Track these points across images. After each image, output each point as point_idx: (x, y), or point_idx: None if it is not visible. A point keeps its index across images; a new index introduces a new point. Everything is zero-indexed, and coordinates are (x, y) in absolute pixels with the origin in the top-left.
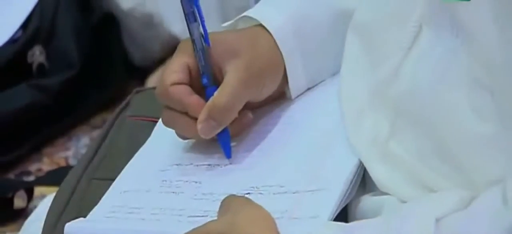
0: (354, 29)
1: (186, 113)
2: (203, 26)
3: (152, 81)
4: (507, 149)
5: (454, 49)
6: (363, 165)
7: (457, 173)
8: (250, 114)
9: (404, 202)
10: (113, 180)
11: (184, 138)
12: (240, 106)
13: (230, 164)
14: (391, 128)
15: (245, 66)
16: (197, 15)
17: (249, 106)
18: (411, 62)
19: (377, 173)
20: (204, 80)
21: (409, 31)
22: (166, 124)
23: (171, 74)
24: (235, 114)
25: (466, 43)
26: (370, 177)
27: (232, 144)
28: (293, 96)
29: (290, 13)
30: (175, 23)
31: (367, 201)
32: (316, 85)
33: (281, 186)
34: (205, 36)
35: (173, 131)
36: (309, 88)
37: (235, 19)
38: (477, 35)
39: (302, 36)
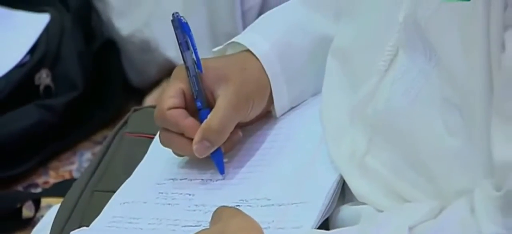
0: (334, 53)
1: (182, 135)
2: (196, 54)
3: (148, 101)
4: (473, 161)
5: (427, 71)
6: (342, 178)
7: (429, 184)
8: (240, 133)
9: (380, 211)
10: (113, 192)
11: (179, 155)
12: (231, 128)
13: (222, 179)
14: (368, 144)
15: (235, 90)
16: (190, 44)
17: (239, 125)
18: (388, 84)
19: (355, 185)
20: (198, 104)
21: (386, 55)
22: (164, 144)
23: (167, 100)
24: (227, 136)
25: (437, 67)
26: (349, 189)
27: (224, 160)
28: (278, 115)
29: (274, 39)
30: (170, 48)
31: (346, 210)
32: (299, 104)
33: (268, 199)
34: (197, 63)
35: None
36: (292, 107)
37: (225, 44)
38: (447, 59)
39: (286, 60)
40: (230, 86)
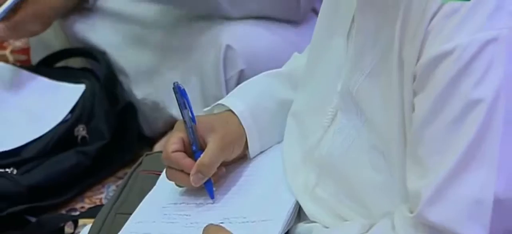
0: (291, 114)
1: (182, 171)
2: (191, 111)
3: (157, 147)
4: (393, 191)
5: (358, 127)
6: (298, 203)
7: (361, 208)
8: (224, 169)
9: (326, 228)
10: (130, 214)
11: (180, 186)
12: (218, 164)
13: (212, 202)
14: (317, 179)
15: (220, 138)
16: (187, 104)
17: (223, 164)
18: (329, 136)
19: (308, 208)
20: (193, 148)
21: (328, 115)
22: (168, 178)
23: (171, 145)
24: (214, 170)
25: (366, 123)
26: (303, 211)
27: (213, 188)
28: (251, 156)
29: (248, 102)
30: (173, 108)
31: (301, 227)
32: (267, 149)
33: (244, 217)
34: (192, 118)
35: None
36: (262, 151)
37: (212, 106)
38: (372, 117)
39: (257, 117)
40: (217, 135)
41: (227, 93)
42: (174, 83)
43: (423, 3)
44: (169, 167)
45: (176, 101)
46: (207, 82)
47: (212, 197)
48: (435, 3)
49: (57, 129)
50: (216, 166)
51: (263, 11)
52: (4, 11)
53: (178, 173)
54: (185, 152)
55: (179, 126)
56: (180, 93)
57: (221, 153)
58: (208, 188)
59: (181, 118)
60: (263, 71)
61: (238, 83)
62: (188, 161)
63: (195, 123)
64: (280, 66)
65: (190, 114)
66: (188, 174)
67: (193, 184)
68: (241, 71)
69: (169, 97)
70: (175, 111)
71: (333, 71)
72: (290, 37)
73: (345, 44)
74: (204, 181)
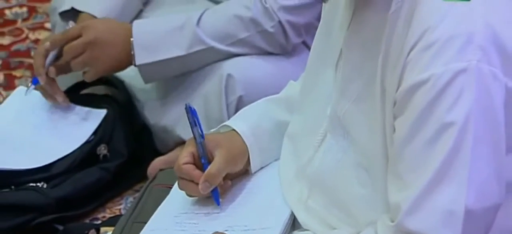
0: (287, 135)
1: (192, 181)
2: (200, 129)
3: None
4: (376, 203)
5: (345, 147)
6: (293, 213)
7: (348, 218)
8: (229, 182)
9: None
10: (146, 222)
11: (190, 196)
12: (223, 174)
13: (218, 212)
14: (309, 192)
15: (225, 153)
16: (197, 122)
17: (229, 177)
18: (320, 155)
19: (301, 218)
20: (202, 160)
21: (318, 137)
22: (180, 187)
23: (183, 158)
24: (220, 179)
25: (351, 143)
26: (297, 220)
27: (220, 199)
28: (253, 171)
29: (250, 123)
30: (179, 130)
31: None
32: (266, 165)
33: (245, 225)
34: (202, 134)
35: (183, 192)
36: (262, 167)
37: (218, 127)
38: (357, 138)
39: (258, 136)
40: (222, 149)
41: (227, 116)
42: (186, 104)
43: (402, 39)
44: (180, 178)
45: (183, 125)
46: (210, 106)
47: (218, 203)
48: (412, 39)
49: (82, 148)
50: (221, 176)
51: (260, 49)
52: (53, 56)
53: (188, 183)
54: (194, 164)
55: (189, 142)
56: (191, 112)
57: (226, 165)
58: (215, 195)
59: (187, 138)
60: (260, 97)
61: (237, 107)
62: (197, 172)
63: (204, 139)
64: (274, 93)
65: (199, 131)
66: (197, 184)
67: (201, 191)
68: (240, 97)
69: (176, 121)
70: (182, 133)
71: (323, 97)
72: (283, 67)
73: (333, 73)
74: (211, 189)
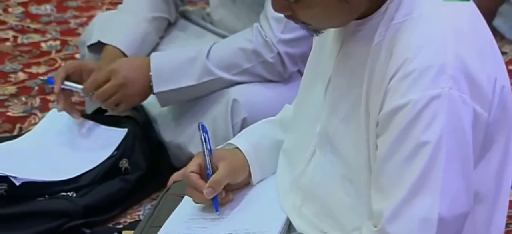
0: (282, 151)
1: (198, 189)
2: (209, 144)
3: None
4: (361, 211)
5: (332, 160)
6: (289, 219)
7: (336, 224)
8: (231, 195)
9: None
10: (161, 227)
11: (198, 203)
12: (225, 182)
13: (223, 217)
14: (302, 201)
15: (228, 164)
16: (206, 138)
17: (231, 188)
18: (311, 168)
19: (296, 224)
20: (208, 171)
21: (309, 153)
22: (187, 194)
23: (190, 167)
24: (222, 186)
25: (338, 158)
26: (293, 225)
27: (223, 208)
28: (254, 183)
29: (251, 141)
30: (192, 148)
31: None
32: (265, 178)
33: (246, 229)
34: (210, 149)
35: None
36: (262, 179)
37: (224, 144)
38: (344, 154)
39: (258, 152)
40: (226, 162)
41: (233, 135)
42: (199, 123)
43: (384, 68)
44: (189, 186)
45: (194, 143)
46: (218, 126)
47: (217, 210)
48: (392, 69)
49: (106, 162)
50: (224, 184)
51: (261, 77)
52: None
53: (194, 191)
54: (200, 174)
55: (198, 155)
56: (202, 130)
57: (228, 175)
58: (215, 202)
59: (196, 152)
60: (261, 118)
61: (242, 127)
62: (201, 181)
63: (212, 153)
64: (274, 114)
65: (208, 146)
66: (201, 192)
67: (206, 195)
68: (244, 118)
69: (189, 140)
70: (194, 150)
71: (313, 117)
72: (281, 92)
73: (323, 97)
74: (214, 194)
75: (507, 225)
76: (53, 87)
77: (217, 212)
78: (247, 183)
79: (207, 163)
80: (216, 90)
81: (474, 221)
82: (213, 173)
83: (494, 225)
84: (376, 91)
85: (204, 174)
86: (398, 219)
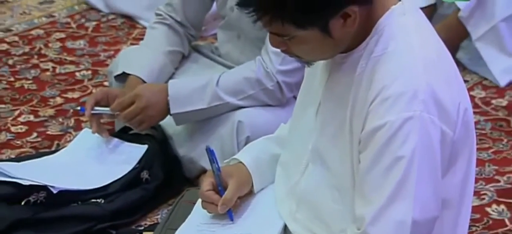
0: (279, 164)
1: (212, 203)
2: (217, 164)
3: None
4: (346, 215)
5: (322, 172)
6: (285, 223)
7: (326, 227)
8: (238, 200)
9: None
10: (176, 230)
11: (210, 212)
12: (235, 198)
13: (230, 223)
14: (297, 207)
15: (236, 181)
16: (214, 160)
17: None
18: (304, 179)
19: (292, 227)
20: (219, 188)
21: (302, 166)
22: (203, 208)
23: (205, 186)
24: (233, 202)
25: (327, 170)
26: (288, 229)
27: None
28: (255, 192)
29: (253, 156)
30: (203, 162)
31: None
32: (265, 187)
33: (249, 233)
34: (218, 168)
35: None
36: (262, 188)
37: (229, 159)
38: (332, 167)
39: (258, 165)
40: (234, 179)
41: (238, 151)
42: (206, 147)
43: (365, 94)
44: (204, 201)
45: (204, 157)
46: (225, 144)
47: (231, 219)
48: (372, 94)
49: (130, 174)
50: (234, 200)
51: (262, 102)
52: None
53: (209, 205)
54: (214, 190)
55: (209, 174)
56: (210, 153)
57: (237, 191)
58: (229, 214)
59: (209, 168)
60: (262, 136)
61: (245, 144)
62: (216, 196)
63: (220, 172)
64: (273, 133)
65: (216, 166)
66: (216, 205)
67: (219, 211)
68: (248, 137)
69: (200, 155)
70: (205, 164)
71: (306, 136)
72: (280, 115)
73: (314, 119)
74: (227, 209)
75: (470, 227)
76: (84, 114)
77: (232, 221)
78: (250, 191)
79: (217, 182)
80: (223, 113)
81: (442, 224)
82: (223, 188)
83: (459, 227)
84: (359, 114)
85: (216, 190)
86: (378, 222)
